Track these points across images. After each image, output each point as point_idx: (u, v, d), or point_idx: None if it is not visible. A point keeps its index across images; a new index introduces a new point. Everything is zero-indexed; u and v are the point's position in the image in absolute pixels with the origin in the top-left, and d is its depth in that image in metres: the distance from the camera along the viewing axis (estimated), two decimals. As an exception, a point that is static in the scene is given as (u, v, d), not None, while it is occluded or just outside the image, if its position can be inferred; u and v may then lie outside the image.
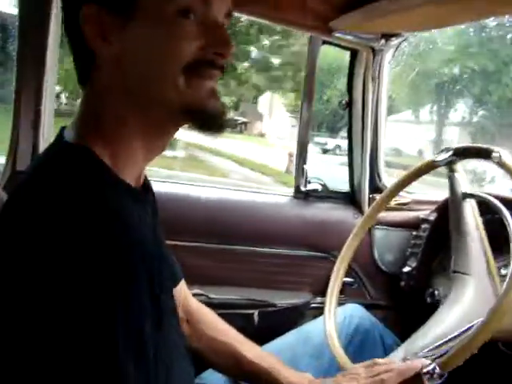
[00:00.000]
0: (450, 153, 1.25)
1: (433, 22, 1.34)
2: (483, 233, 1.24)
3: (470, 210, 1.25)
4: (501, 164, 1.13)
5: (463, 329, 1.07)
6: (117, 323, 0.64)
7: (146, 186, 0.90)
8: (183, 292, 1.16)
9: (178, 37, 0.74)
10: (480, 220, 1.26)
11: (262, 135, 14.60)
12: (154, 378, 0.70)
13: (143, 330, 0.68)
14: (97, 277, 0.64)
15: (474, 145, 1.25)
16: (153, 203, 0.95)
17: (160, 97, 0.77)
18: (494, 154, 1.14)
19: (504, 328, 1.15)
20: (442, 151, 1.28)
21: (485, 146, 1.20)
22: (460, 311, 1.13)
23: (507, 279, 0.93)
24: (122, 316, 0.65)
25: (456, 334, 1.07)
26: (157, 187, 1.63)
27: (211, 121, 0.79)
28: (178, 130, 0.83)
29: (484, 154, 1.19)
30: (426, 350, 1.06)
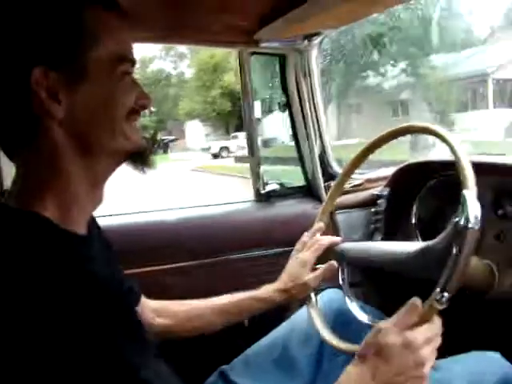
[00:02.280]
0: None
1: (347, 17, 1.44)
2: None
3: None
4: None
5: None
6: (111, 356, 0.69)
7: (91, 225, 0.94)
8: (142, 304, 1.25)
9: (122, 92, 0.85)
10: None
11: (186, 150, 14.68)
12: None
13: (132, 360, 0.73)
14: (73, 324, 0.67)
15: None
16: (102, 238, 1.01)
17: (112, 145, 0.85)
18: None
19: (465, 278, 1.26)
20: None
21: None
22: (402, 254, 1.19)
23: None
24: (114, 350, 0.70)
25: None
26: (117, 220, 1.71)
27: (147, 158, 0.92)
28: (112, 174, 0.92)
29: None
30: None
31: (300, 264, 1.30)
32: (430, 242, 1.15)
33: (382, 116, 15.81)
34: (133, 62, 0.89)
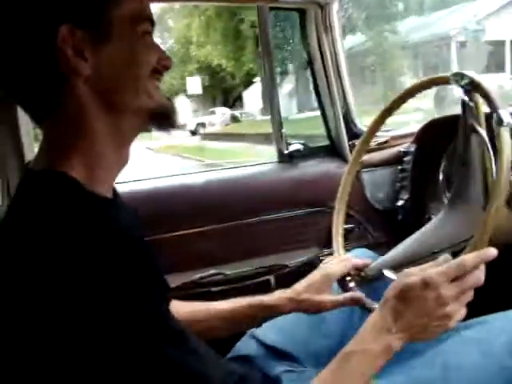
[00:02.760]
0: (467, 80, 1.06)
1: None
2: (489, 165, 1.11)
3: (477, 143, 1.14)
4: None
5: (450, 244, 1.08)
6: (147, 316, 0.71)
7: (114, 191, 0.94)
8: None
9: (145, 51, 0.86)
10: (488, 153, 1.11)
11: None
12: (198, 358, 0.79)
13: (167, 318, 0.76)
14: (112, 285, 0.69)
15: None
16: (125, 207, 1.00)
17: (136, 103, 0.85)
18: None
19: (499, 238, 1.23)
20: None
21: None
22: (446, 232, 1.15)
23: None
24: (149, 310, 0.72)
25: (441, 247, 1.09)
26: (139, 185, 1.70)
27: (171, 118, 0.91)
28: (138, 134, 0.92)
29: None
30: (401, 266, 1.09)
31: (323, 277, 1.18)
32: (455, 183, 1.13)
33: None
34: (152, 22, 0.89)
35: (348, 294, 1.16)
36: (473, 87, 1.02)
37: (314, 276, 1.19)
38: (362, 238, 1.87)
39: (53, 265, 0.68)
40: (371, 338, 0.88)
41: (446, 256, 0.89)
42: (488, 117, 0.99)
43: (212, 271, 1.63)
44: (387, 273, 1.11)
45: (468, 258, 0.87)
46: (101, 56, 0.81)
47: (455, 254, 0.90)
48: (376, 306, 0.99)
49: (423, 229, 1.22)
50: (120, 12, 0.83)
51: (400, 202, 1.86)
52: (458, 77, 1.04)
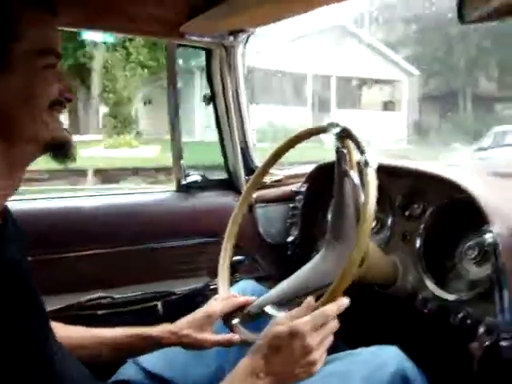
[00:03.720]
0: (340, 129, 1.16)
1: (271, 16, 1.48)
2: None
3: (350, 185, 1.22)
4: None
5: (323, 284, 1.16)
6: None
7: (5, 216, 0.94)
8: None
9: (45, 82, 0.88)
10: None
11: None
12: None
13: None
14: None
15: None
16: (16, 230, 1.00)
17: (32, 133, 0.88)
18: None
19: (370, 273, 1.34)
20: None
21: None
22: (321, 269, 1.24)
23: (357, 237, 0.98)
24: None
25: (315, 287, 1.18)
26: (33, 205, 1.69)
27: (69, 149, 0.93)
28: (30, 163, 0.93)
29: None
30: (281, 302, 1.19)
31: (204, 315, 1.22)
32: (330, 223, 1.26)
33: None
34: (57, 54, 0.91)
35: (226, 336, 1.20)
36: (345, 134, 1.12)
37: (197, 313, 1.23)
38: (252, 271, 1.93)
39: None
40: (239, 382, 0.94)
41: (310, 299, 0.98)
42: (357, 162, 1.09)
43: (99, 294, 1.62)
44: (268, 309, 1.18)
45: (329, 308, 0.95)
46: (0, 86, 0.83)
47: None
48: (256, 337, 1.06)
49: (304, 266, 1.30)
50: (22, 46, 0.84)
51: (290, 238, 1.96)
52: (333, 126, 1.14)
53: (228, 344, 1.20)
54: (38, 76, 0.87)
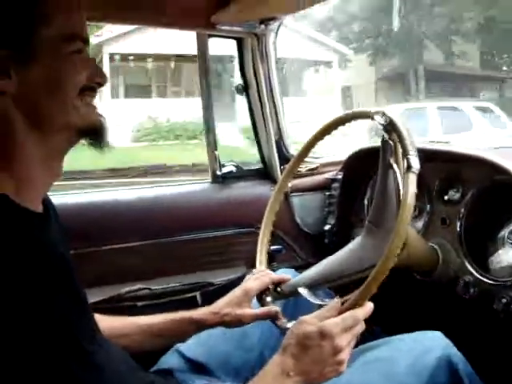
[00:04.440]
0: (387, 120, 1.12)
1: (300, 4, 1.47)
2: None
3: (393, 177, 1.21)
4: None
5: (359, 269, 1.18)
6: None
7: (47, 205, 0.95)
8: None
9: (72, 70, 0.87)
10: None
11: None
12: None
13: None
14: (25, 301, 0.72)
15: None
16: (56, 220, 1.01)
17: (63, 121, 0.87)
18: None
19: (411, 261, 1.32)
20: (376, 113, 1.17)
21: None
22: (358, 255, 1.23)
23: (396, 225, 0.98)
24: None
25: (351, 272, 1.19)
26: (71, 198, 1.71)
27: (105, 135, 0.93)
28: (68, 150, 0.93)
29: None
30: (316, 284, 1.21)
31: (242, 292, 1.24)
32: (371, 210, 1.22)
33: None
34: (85, 40, 0.90)
35: (265, 308, 1.22)
36: (391, 127, 1.09)
37: (235, 292, 1.24)
38: (290, 260, 1.93)
39: None
40: (270, 380, 0.95)
41: (335, 300, 1.00)
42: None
43: (139, 286, 1.65)
44: (302, 290, 1.19)
45: (359, 311, 0.96)
46: (27, 75, 0.83)
47: (362, 280, 0.98)
48: (289, 325, 1.10)
49: (341, 251, 1.29)
50: (48, 31, 0.83)
51: (327, 226, 1.95)
52: (379, 114, 1.11)
53: (266, 317, 1.21)
54: (65, 62, 0.86)
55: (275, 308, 1.20)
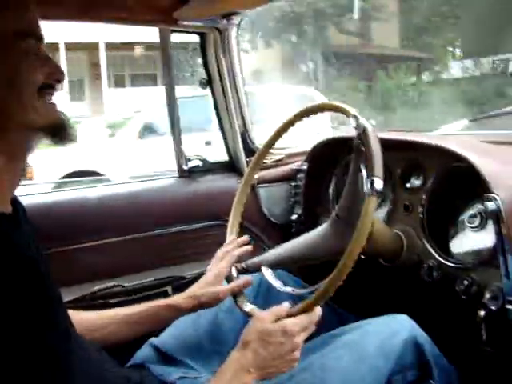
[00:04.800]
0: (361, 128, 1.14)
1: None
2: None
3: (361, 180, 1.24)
4: None
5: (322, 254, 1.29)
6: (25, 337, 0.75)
7: (15, 206, 0.95)
8: None
9: (29, 69, 0.87)
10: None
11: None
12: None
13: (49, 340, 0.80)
14: None
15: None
16: (25, 220, 1.01)
17: (23, 120, 0.87)
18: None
19: (376, 248, 1.37)
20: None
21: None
22: (322, 242, 1.31)
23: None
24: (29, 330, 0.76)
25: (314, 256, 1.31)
26: (39, 199, 1.70)
27: (67, 131, 0.93)
28: (33, 149, 0.93)
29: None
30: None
31: (213, 275, 1.30)
32: (338, 204, 1.25)
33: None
34: (39, 38, 0.90)
35: (238, 281, 1.27)
36: (364, 138, 1.12)
37: (206, 278, 1.30)
38: (258, 250, 1.92)
39: None
40: (229, 376, 1.00)
41: (286, 304, 1.07)
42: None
43: (110, 283, 1.65)
44: (265, 271, 1.28)
45: (315, 313, 1.04)
46: None
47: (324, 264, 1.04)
48: (247, 308, 1.19)
49: (306, 236, 1.35)
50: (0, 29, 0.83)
51: (294, 216, 1.98)
52: (356, 119, 1.14)
53: (240, 288, 1.26)
54: (20, 61, 0.86)
55: (246, 278, 1.27)
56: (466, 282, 1.29)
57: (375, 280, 1.57)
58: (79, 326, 1.09)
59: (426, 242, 1.44)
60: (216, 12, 1.67)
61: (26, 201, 1.06)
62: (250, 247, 1.36)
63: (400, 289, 1.56)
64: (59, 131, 0.92)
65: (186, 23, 1.65)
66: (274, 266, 1.31)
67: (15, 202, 0.95)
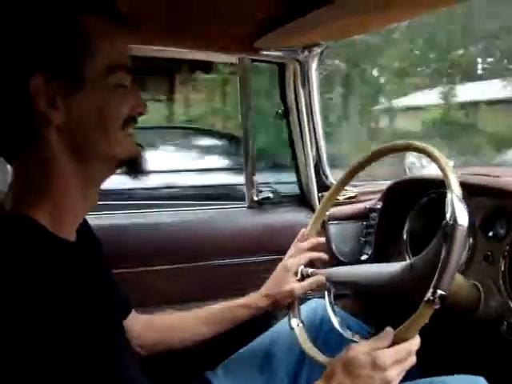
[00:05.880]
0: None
1: (349, 30, 1.45)
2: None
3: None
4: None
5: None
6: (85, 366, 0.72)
7: (83, 232, 0.95)
8: (132, 317, 1.24)
9: (118, 102, 0.87)
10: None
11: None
12: None
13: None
14: (53, 336, 0.70)
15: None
16: (93, 246, 1.02)
17: (105, 152, 0.87)
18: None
19: (450, 299, 1.26)
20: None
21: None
22: (392, 276, 1.21)
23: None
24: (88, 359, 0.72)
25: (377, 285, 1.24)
26: (106, 221, 1.71)
27: (140, 165, 0.93)
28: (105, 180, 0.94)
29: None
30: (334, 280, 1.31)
31: (284, 268, 1.34)
32: (417, 257, 1.16)
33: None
34: (128, 69, 0.90)
35: (312, 279, 1.32)
36: (450, 232, 0.98)
37: (276, 271, 1.36)
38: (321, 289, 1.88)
39: (8, 308, 0.69)
40: None
41: (389, 329, 0.95)
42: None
43: (168, 311, 1.62)
44: (343, 331, 1.22)
45: (414, 343, 0.93)
46: (73, 105, 0.82)
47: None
48: (294, 325, 1.22)
49: (377, 265, 1.31)
50: (94, 63, 0.83)
51: (363, 257, 1.90)
52: (451, 192, 1.00)
53: (316, 285, 1.32)
54: (111, 94, 0.86)
55: (321, 279, 1.32)
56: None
57: (449, 333, 1.47)
58: (160, 331, 1.24)
59: (506, 297, 1.33)
60: (297, 43, 1.65)
61: (94, 220, 1.06)
62: (325, 256, 1.41)
63: (476, 346, 1.45)
64: (135, 164, 0.93)
65: (266, 53, 1.64)
66: (338, 284, 1.32)
67: (81, 225, 0.94)
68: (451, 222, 0.95)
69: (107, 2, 0.87)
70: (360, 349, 0.93)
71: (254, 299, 1.34)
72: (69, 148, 0.84)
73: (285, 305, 1.33)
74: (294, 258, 1.36)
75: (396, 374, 0.91)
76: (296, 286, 1.32)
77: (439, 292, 0.92)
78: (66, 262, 0.80)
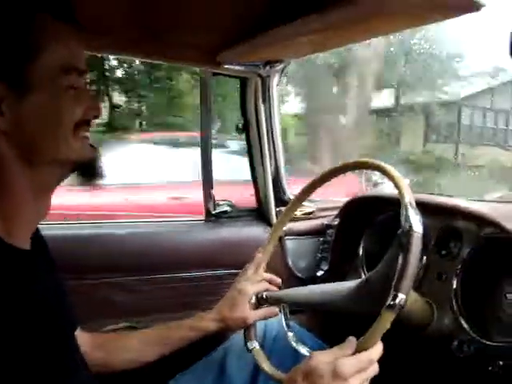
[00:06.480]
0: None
1: (311, 48, 1.46)
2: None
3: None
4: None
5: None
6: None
7: (38, 239, 0.93)
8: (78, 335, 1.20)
9: (69, 104, 0.84)
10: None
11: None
12: None
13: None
14: None
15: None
16: (46, 254, 0.99)
17: (56, 156, 0.85)
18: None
19: (400, 317, 1.28)
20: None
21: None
22: (344, 294, 1.21)
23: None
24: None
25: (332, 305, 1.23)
26: (64, 230, 1.68)
27: (95, 169, 0.91)
28: (57, 185, 0.91)
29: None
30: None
31: (238, 292, 1.29)
32: (372, 271, 1.16)
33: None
34: (80, 72, 0.87)
35: (267, 310, 1.28)
36: (406, 241, 0.99)
37: (231, 295, 1.29)
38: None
39: None
40: None
41: (351, 339, 0.94)
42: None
43: (123, 324, 1.60)
44: (299, 347, 1.23)
45: (375, 352, 0.92)
46: (20, 109, 0.80)
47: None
48: (279, 374, 1.07)
49: (333, 284, 1.30)
50: (43, 64, 0.81)
51: (319, 273, 1.91)
52: (406, 209, 1.01)
53: (269, 315, 1.29)
54: (61, 97, 0.83)
55: (274, 309, 1.29)
56: (501, 363, 1.20)
57: (400, 349, 1.48)
58: (106, 350, 1.16)
59: (458, 315, 1.36)
60: (260, 58, 1.65)
61: (49, 230, 1.04)
62: (279, 281, 1.38)
63: (427, 362, 1.47)
64: (89, 168, 0.91)
65: (228, 66, 1.64)
66: (294, 304, 1.31)
67: (35, 234, 0.92)
68: (407, 229, 0.96)
69: (59, 3, 0.84)
70: (321, 358, 0.91)
71: (205, 322, 1.28)
72: (18, 153, 0.82)
73: (236, 328, 1.30)
74: (252, 286, 1.31)
75: (357, 383, 0.89)
76: (251, 314, 1.27)
77: (400, 296, 0.92)
78: (15, 270, 0.78)
